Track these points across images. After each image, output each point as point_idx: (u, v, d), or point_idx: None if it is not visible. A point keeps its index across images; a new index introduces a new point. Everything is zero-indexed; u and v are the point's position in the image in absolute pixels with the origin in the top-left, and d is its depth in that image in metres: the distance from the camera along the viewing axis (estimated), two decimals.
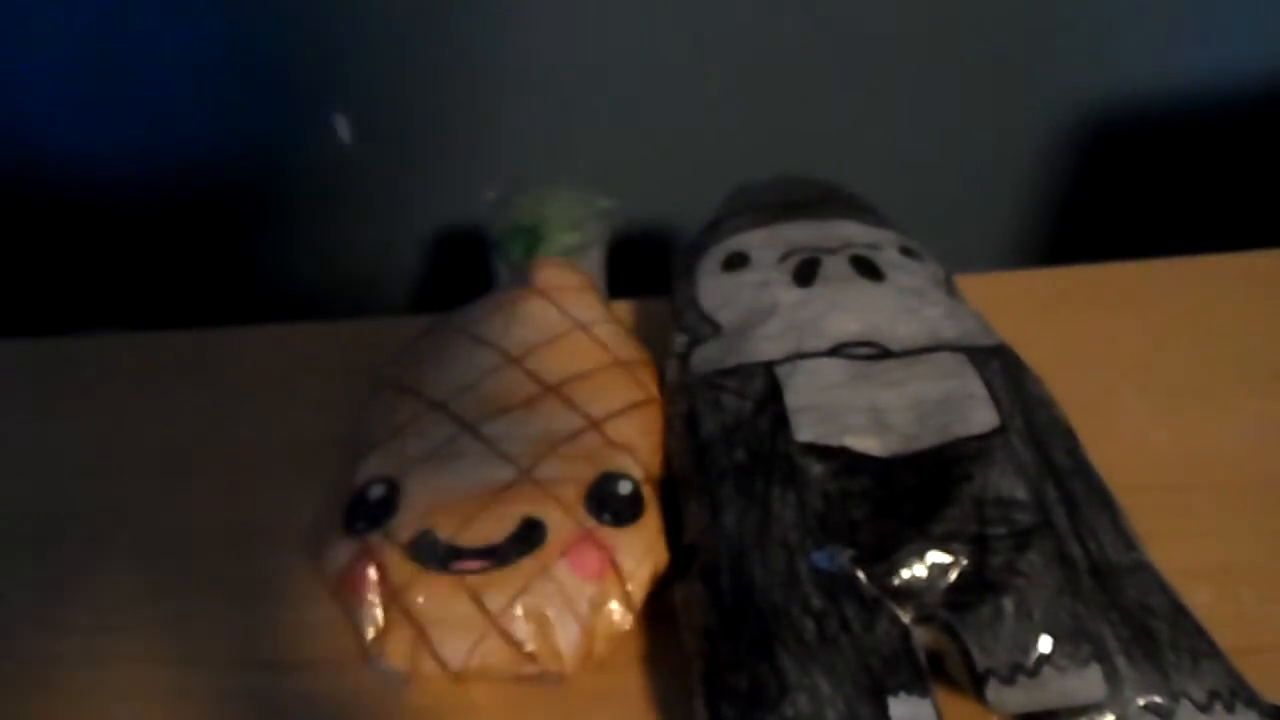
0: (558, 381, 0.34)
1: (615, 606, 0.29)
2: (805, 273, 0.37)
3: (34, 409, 0.43)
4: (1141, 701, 0.25)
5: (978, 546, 0.28)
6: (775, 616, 0.27)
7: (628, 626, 0.29)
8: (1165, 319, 0.44)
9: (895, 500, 0.29)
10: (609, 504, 0.30)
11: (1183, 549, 0.30)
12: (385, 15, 1.08)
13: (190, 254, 1.28)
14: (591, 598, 0.29)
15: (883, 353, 0.34)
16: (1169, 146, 1.18)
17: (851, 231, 0.40)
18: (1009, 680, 0.26)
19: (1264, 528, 0.34)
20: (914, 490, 0.29)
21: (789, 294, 0.36)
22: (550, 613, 0.28)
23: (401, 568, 0.29)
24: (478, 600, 0.28)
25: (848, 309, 0.35)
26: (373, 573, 0.29)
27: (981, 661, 0.26)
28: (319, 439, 0.38)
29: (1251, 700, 0.26)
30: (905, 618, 0.27)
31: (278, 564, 0.34)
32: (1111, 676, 0.26)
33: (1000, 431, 0.31)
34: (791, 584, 0.28)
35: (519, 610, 0.28)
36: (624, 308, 0.46)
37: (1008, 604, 0.27)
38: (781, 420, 0.32)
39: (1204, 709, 0.25)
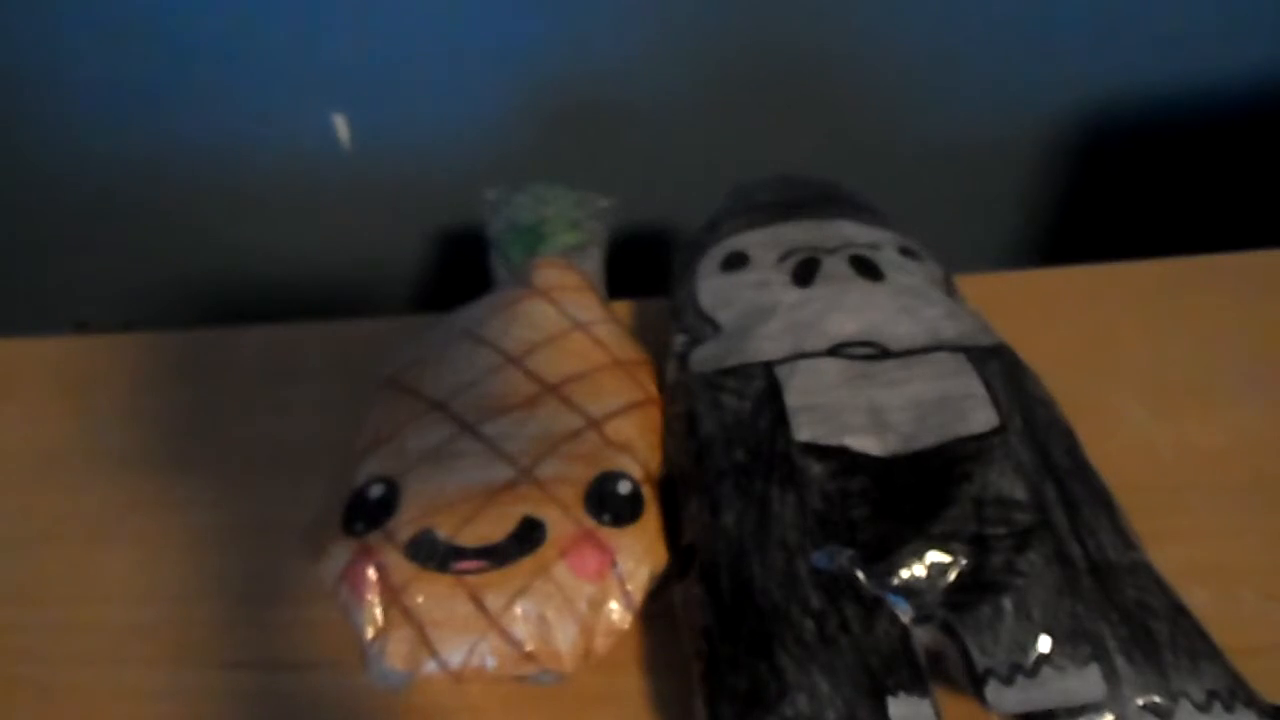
0: (557, 381, 0.34)
1: (615, 606, 0.29)
2: (804, 272, 0.37)
3: (34, 408, 0.43)
4: (1140, 701, 0.25)
5: (977, 546, 0.28)
6: (775, 616, 0.27)
7: (627, 626, 0.29)
8: (1165, 319, 0.44)
9: (894, 500, 0.29)
10: (609, 504, 0.30)
11: (1183, 549, 0.30)
12: (386, 15, 1.08)
13: (189, 253, 1.28)
14: (591, 598, 0.29)
15: (882, 353, 0.34)
16: (1169, 147, 1.18)
17: (851, 231, 0.40)
18: (1008, 680, 0.26)
19: (1264, 528, 0.34)
20: (913, 490, 0.29)
21: (788, 294, 0.36)
22: (549, 613, 0.28)
23: (401, 568, 0.29)
24: (477, 600, 0.28)
25: (847, 309, 0.35)
26: (372, 573, 0.29)
27: (981, 661, 0.26)
28: (319, 439, 0.38)
29: (1250, 700, 0.26)
30: (905, 618, 0.27)
31: (278, 564, 0.35)
32: (1110, 676, 0.26)
33: (999, 431, 0.31)
34: (791, 584, 0.28)
35: (518, 610, 0.28)
36: (624, 308, 0.46)
37: (1007, 604, 0.27)
38: (781, 420, 0.32)
39: (1203, 709, 0.25)
